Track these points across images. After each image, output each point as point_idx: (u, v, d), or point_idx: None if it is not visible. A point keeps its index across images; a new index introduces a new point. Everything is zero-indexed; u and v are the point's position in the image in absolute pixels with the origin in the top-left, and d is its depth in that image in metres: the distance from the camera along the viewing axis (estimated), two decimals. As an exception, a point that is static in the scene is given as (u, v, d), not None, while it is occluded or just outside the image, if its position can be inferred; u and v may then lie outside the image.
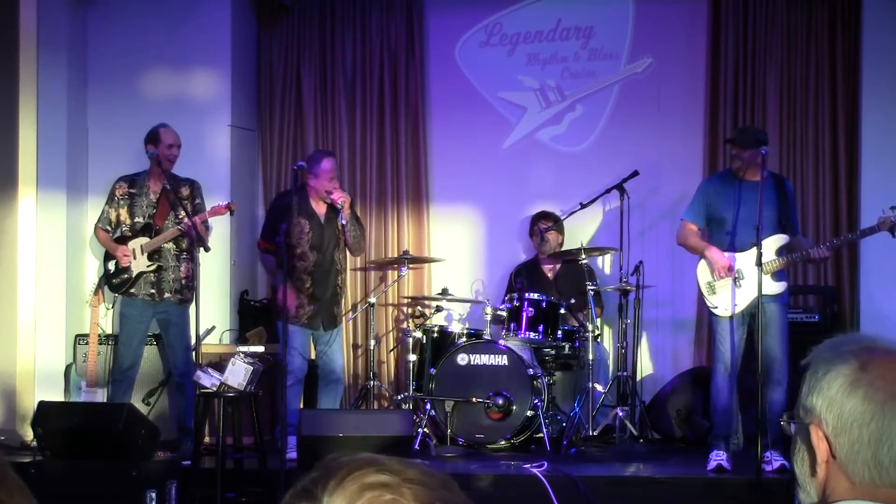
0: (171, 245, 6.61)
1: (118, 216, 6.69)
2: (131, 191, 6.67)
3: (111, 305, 7.02)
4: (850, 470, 1.45)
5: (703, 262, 5.89)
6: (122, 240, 6.65)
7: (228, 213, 6.64)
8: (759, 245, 5.44)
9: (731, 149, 5.93)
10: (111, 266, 6.66)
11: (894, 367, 1.44)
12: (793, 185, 6.96)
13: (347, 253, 6.80)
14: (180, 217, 6.54)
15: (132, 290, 6.59)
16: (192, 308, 6.35)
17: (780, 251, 5.75)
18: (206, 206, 6.57)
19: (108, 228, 6.71)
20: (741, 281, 5.70)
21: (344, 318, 6.93)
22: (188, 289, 6.59)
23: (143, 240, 6.58)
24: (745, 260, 5.66)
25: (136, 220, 6.64)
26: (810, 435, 1.49)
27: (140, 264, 6.56)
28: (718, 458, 5.66)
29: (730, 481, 5.53)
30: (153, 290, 6.58)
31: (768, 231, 5.74)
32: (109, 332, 7.17)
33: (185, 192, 6.61)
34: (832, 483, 1.47)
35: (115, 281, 6.64)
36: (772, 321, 5.70)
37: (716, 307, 5.78)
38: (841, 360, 1.47)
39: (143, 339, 6.73)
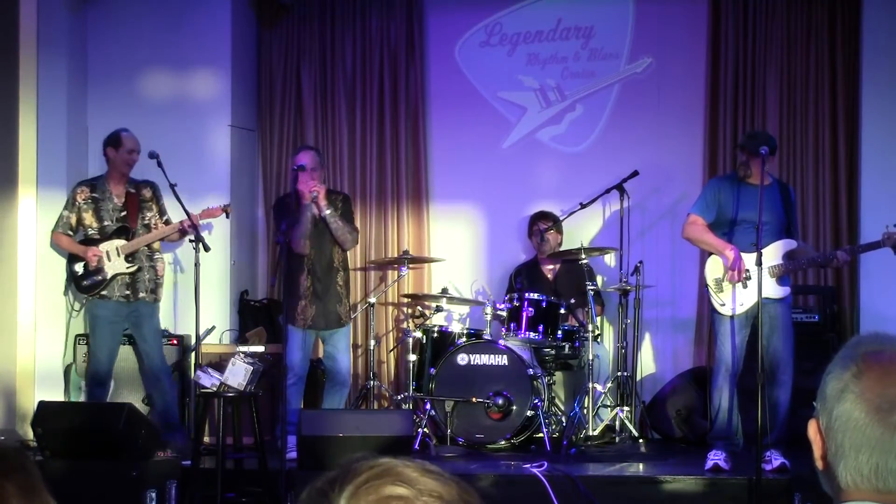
0: (143, 246, 6.65)
1: (80, 220, 6.68)
2: (94, 195, 6.68)
3: (79, 308, 6.97)
4: (836, 472, 1.45)
5: (714, 259, 5.84)
6: (89, 242, 6.65)
7: (224, 215, 6.66)
8: (758, 244, 5.44)
9: (740, 155, 5.89)
10: (79, 268, 6.64)
11: (888, 377, 1.44)
12: (793, 185, 6.99)
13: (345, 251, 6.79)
14: (148, 219, 6.64)
15: (104, 293, 6.57)
16: (191, 308, 6.33)
17: (787, 257, 5.75)
18: (193, 206, 6.60)
19: (70, 233, 6.72)
20: (747, 281, 5.68)
21: (350, 320, 6.84)
22: (160, 287, 6.66)
23: (119, 242, 6.59)
24: (751, 260, 5.63)
25: (105, 223, 6.64)
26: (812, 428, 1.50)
27: (117, 266, 6.56)
28: (716, 457, 5.67)
29: (729, 481, 5.54)
30: (128, 291, 6.59)
31: (776, 235, 5.74)
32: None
33: (146, 193, 6.70)
34: (831, 481, 1.48)
35: (85, 283, 6.60)
36: (779, 323, 5.70)
37: (722, 304, 5.76)
38: (843, 363, 1.47)
39: (120, 340, 6.71)
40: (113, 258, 6.57)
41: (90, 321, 6.70)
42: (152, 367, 6.63)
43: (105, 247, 6.59)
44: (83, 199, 6.69)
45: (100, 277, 6.58)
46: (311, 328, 6.52)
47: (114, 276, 6.56)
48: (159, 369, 6.60)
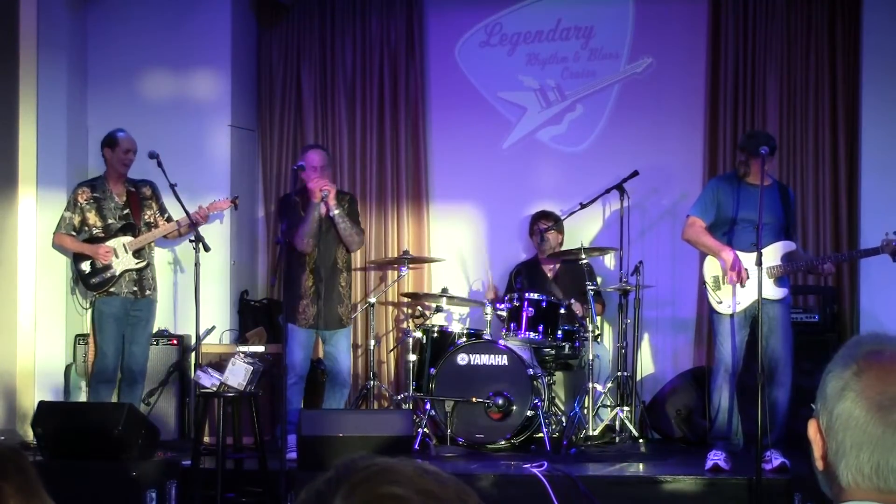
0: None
1: (83, 220, 6.74)
2: (95, 195, 6.75)
3: (88, 306, 6.98)
4: (837, 472, 1.45)
5: (712, 258, 5.85)
6: (94, 241, 6.68)
7: (232, 206, 6.70)
8: (759, 244, 5.44)
9: (740, 154, 5.89)
10: (85, 266, 6.68)
11: (889, 376, 1.43)
12: (793, 186, 7.00)
13: (349, 253, 6.76)
14: (148, 217, 6.74)
15: (112, 289, 6.62)
16: (191, 308, 6.34)
17: (785, 258, 5.75)
18: (193, 206, 6.62)
19: (73, 234, 6.76)
20: (746, 281, 5.67)
21: (350, 321, 6.80)
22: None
23: (126, 238, 6.66)
24: (750, 260, 5.62)
25: (109, 221, 6.70)
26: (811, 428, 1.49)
27: (126, 262, 6.64)
28: (716, 457, 5.67)
29: (730, 481, 5.54)
30: (135, 288, 6.68)
31: (775, 236, 5.74)
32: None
33: (146, 192, 6.79)
34: (831, 481, 1.47)
35: (94, 280, 6.66)
36: (777, 323, 5.70)
37: (720, 303, 5.77)
38: (843, 362, 1.47)
39: (122, 337, 6.73)
40: (121, 255, 6.63)
41: (97, 318, 6.73)
42: (133, 368, 6.68)
43: (112, 244, 6.64)
44: (85, 200, 6.73)
45: (108, 274, 6.63)
46: (312, 327, 6.51)
47: (122, 273, 6.62)
48: (139, 373, 6.71)
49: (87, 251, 6.67)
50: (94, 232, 6.72)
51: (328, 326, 6.52)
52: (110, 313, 6.65)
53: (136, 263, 6.65)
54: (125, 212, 6.72)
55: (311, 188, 6.31)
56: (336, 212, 6.40)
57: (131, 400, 6.55)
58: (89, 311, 6.94)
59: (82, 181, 6.88)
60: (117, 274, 6.62)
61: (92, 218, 6.73)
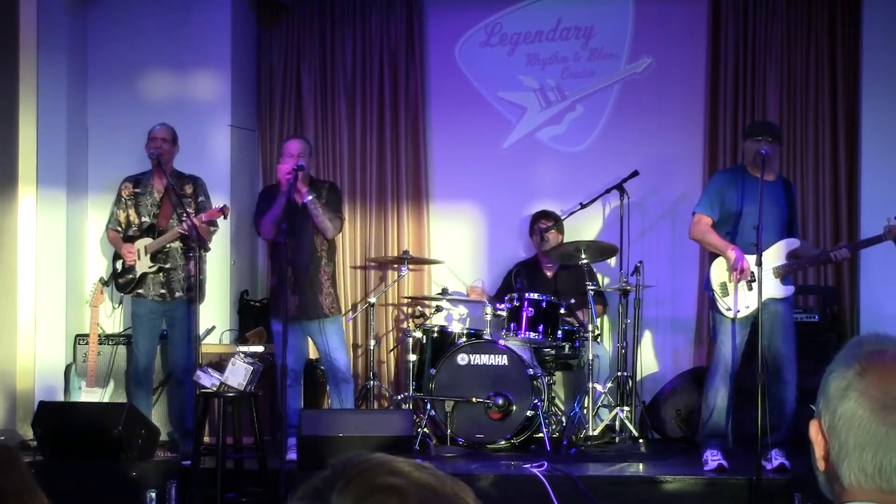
0: (177, 244, 6.62)
1: (127, 216, 6.71)
2: (136, 191, 6.70)
3: (118, 305, 7.00)
4: (839, 472, 1.45)
5: (719, 262, 5.81)
6: (130, 239, 6.68)
7: (222, 216, 6.65)
8: (759, 243, 5.42)
9: (750, 142, 5.81)
10: (119, 265, 6.69)
11: (892, 375, 1.43)
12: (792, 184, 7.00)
13: (334, 243, 6.54)
14: (183, 217, 6.56)
15: (140, 291, 6.60)
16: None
17: (790, 256, 5.75)
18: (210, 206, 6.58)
19: (119, 229, 6.74)
20: (752, 283, 5.65)
21: (339, 313, 6.60)
22: (196, 287, 6.62)
23: (147, 240, 6.61)
24: (754, 261, 5.60)
25: (143, 219, 6.67)
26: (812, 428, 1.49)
27: (143, 265, 6.59)
28: (716, 457, 5.67)
29: (730, 481, 5.54)
30: (164, 291, 6.61)
31: (778, 234, 5.73)
32: (110, 331, 7.17)
33: (188, 189, 6.66)
34: (833, 481, 1.47)
35: (121, 281, 6.68)
36: (782, 323, 5.70)
37: (728, 308, 5.74)
38: (846, 362, 1.47)
39: (157, 339, 6.74)
40: (141, 257, 6.60)
41: (131, 319, 6.75)
42: (177, 368, 6.64)
43: (137, 245, 6.63)
44: (127, 196, 6.72)
45: (130, 276, 6.63)
46: (296, 319, 6.26)
47: (142, 276, 6.59)
48: (183, 370, 6.55)
49: (119, 250, 6.68)
50: (133, 230, 6.68)
51: (310, 317, 6.32)
52: (140, 314, 6.63)
53: (149, 267, 6.57)
54: (157, 211, 6.65)
55: (279, 176, 6.19)
56: (309, 198, 6.21)
57: (177, 403, 6.62)
58: (119, 310, 6.95)
59: (129, 175, 6.81)
60: (137, 276, 6.60)
61: (132, 215, 6.69)
